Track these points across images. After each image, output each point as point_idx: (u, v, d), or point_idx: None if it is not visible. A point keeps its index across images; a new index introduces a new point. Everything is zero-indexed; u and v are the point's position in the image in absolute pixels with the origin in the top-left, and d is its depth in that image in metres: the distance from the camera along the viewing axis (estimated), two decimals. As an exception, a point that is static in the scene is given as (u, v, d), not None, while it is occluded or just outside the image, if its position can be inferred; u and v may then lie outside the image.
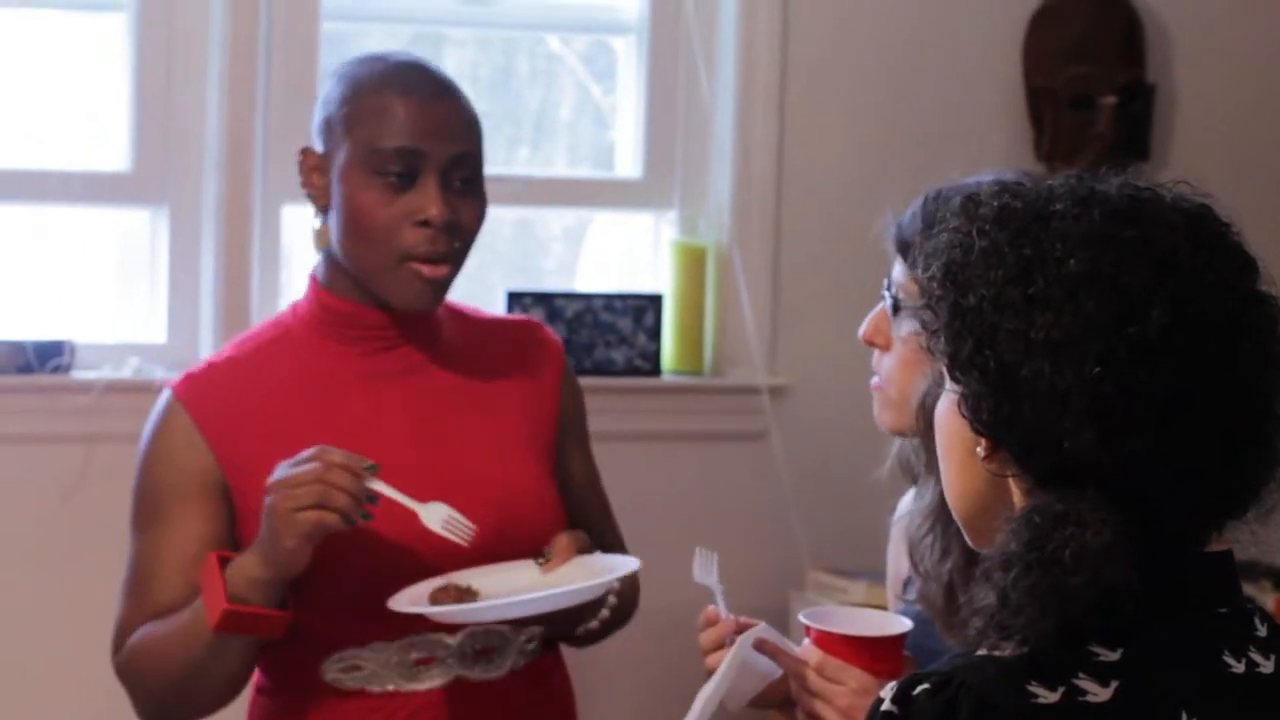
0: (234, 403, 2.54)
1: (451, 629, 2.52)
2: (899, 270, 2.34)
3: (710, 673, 2.16)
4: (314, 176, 2.57)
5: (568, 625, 2.60)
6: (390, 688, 2.52)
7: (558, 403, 2.69)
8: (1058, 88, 4.22)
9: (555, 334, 2.76)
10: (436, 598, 2.44)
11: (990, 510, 1.65)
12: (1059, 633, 1.56)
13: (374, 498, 2.39)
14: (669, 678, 3.64)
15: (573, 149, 4.26)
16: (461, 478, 2.54)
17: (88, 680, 3.68)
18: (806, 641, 2.16)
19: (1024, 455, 1.60)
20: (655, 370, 4.05)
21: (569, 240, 4.29)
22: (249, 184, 3.76)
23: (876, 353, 2.39)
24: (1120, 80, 4.25)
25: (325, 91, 2.58)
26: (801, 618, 2.17)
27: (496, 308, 3.87)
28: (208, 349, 3.75)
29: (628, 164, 4.14)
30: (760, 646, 2.16)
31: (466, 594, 2.45)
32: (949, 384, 1.65)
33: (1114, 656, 1.59)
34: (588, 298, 4.01)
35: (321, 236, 2.58)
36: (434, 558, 2.50)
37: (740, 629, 2.18)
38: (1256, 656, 1.64)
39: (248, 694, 2.61)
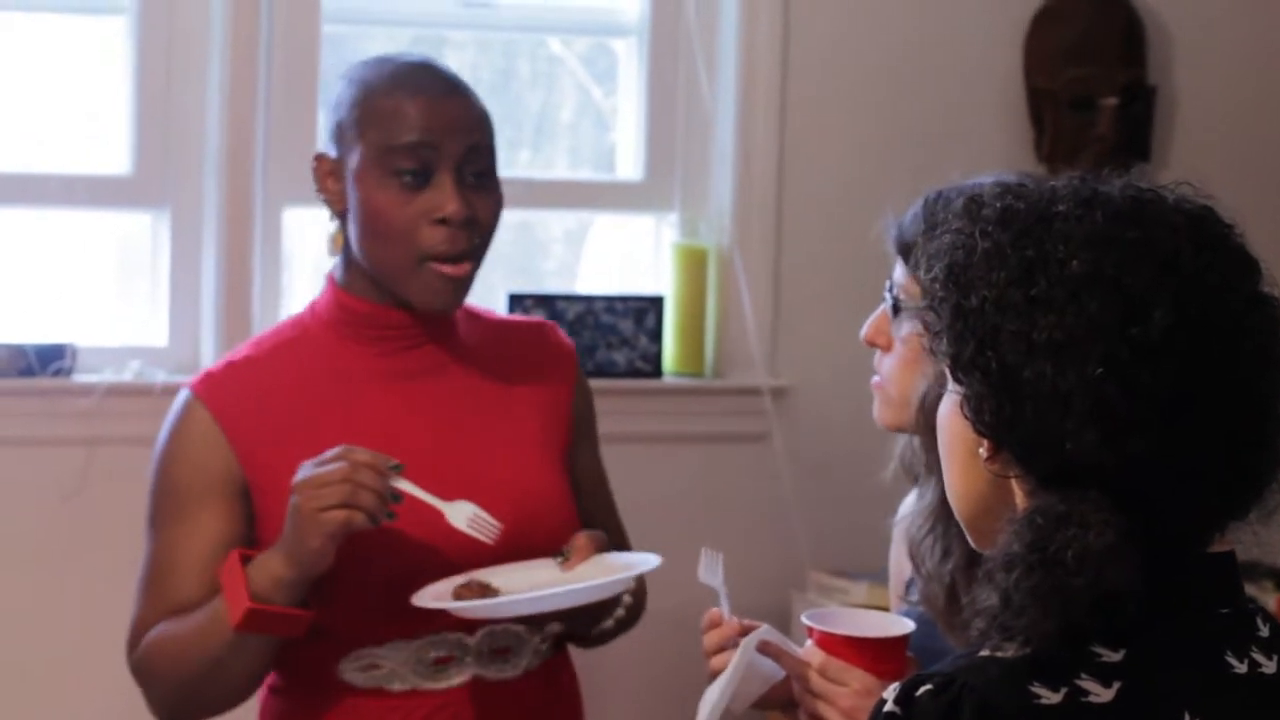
0: (254, 401, 2.54)
1: (470, 628, 2.53)
2: (900, 271, 2.35)
3: (714, 675, 2.16)
4: (328, 182, 2.57)
5: (586, 623, 2.60)
6: (408, 686, 2.53)
7: (571, 406, 2.70)
8: (1058, 89, 4.22)
9: (567, 337, 2.77)
10: (459, 594, 2.45)
11: (992, 511, 1.65)
12: (1061, 633, 1.57)
13: (398, 497, 2.40)
14: (670, 678, 3.64)
15: (574, 151, 4.26)
16: (483, 477, 2.55)
17: (88, 681, 3.68)
18: (809, 643, 2.16)
19: (1026, 456, 1.61)
20: (656, 372, 4.05)
21: (570, 242, 4.29)
22: (250, 187, 3.76)
23: (878, 352, 2.39)
24: (1121, 81, 4.25)
25: (335, 96, 2.58)
26: (804, 619, 2.17)
27: (498, 310, 3.87)
28: (209, 352, 3.75)
29: (629, 166, 4.14)
30: (763, 648, 2.16)
31: (488, 591, 2.46)
32: (951, 385, 1.66)
33: (1116, 657, 1.59)
34: (589, 300, 4.01)
35: (336, 241, 2.58)
36: (455, 556, 2.50)
37: (743, 631, 2.18)
38: (1259, 657, 1.65)
39: (259, 693, 2.61)
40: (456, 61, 4.10)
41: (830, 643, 2.14)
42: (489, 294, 3.97)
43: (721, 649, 2.18)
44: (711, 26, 4.08)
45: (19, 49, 3.79)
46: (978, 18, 4.23)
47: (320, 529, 2.36)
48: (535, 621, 2.56)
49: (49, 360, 3.65)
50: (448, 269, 2.52)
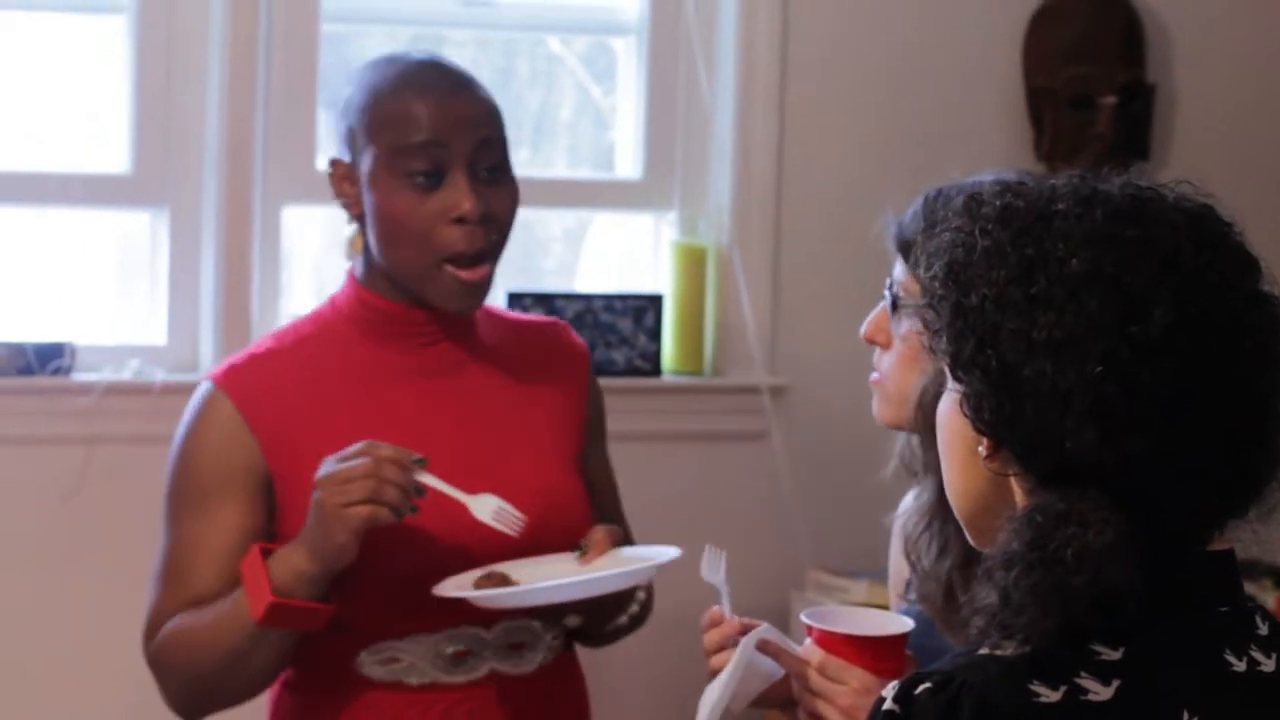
0: (277, 393, 2.55)
1: (488, 623, 2.54)
2: (900, 269, 2.35)
3: (714, 674, 2.16)
4: (344, 186, 2.59)
5: (604, 616, 2.62)
6: (427, 680, 2.54)
7: (585, 407, 2.72)
8: (1058, 88, 4.22)
9: (580, 338, 2.78)
10: (480, 585, 2.46)
11: (992, 509, 1.65)
12: (1061, 632, 1.57)
13: (421, 491, 2.41)
14: (671, 677, 3.64)
15: (573, 150, 4.26)
16: (503, 473, 2.56)
17: (88, 681, 3.68)
18: (808, 641, 2.16)
19: (1026, 455, 1.61)
20: (655, 370, 4.06)
21: (569, 241, 4.29)
22: (249, 186, 3.76)
23: (877, 350, 2.39)
24: (1120, 80, 4.25)
25: (345, 100, 2.59)
26: (803, 617, 2.17)
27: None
28: (208, 351, 3.75)
29: (628, 165, 4.14)
30: (763, 647, 2.16)
31: (508, 584, 2.47)
32: (951, 383, 1.66)
33: (1116, 655, 1.59)
34: (588, 298, 4.01)
35: (355, 244, 2.60)
36: (477, 550, 2.52)
37: (743, 630, 2.18)
38: (1258, 655, 1.65)
39: (271, 688, 2.62)
40: (456, 60, 4.08)
41: (829, 641, 2.14)
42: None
43: (722, 648, 2.18)
44: (711, 25, 4.08)
45: (19, 48, 3.79)
46: (977, 16, 4.23)
47: (345, 524, 2.37)
48: (555, 614, 2.57)
49: (48, 359, 3.65)
50: (464, 274, 2.53)
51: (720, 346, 4.10)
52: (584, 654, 2.73)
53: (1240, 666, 1.63)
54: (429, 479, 2.43)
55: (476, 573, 2.49)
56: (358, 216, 2.58)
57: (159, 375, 3.70)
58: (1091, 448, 1.56)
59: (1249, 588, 1.72)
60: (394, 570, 2.49)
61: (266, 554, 2.45)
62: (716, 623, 2.21)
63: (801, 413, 4.12)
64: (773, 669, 2.18)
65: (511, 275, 4.11)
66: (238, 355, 2.62)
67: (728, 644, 2.18)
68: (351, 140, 2.57)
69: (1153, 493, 1.58)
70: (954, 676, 1.59)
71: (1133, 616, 1.58)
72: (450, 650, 2.54)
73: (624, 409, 3.83)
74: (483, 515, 2.48)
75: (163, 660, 2.53)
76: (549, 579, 2.47)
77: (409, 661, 2.53)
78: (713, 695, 2.14)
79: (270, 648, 2.47)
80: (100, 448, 3.68)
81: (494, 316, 2.70)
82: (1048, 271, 1.58)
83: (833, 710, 2.12)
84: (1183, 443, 1.57)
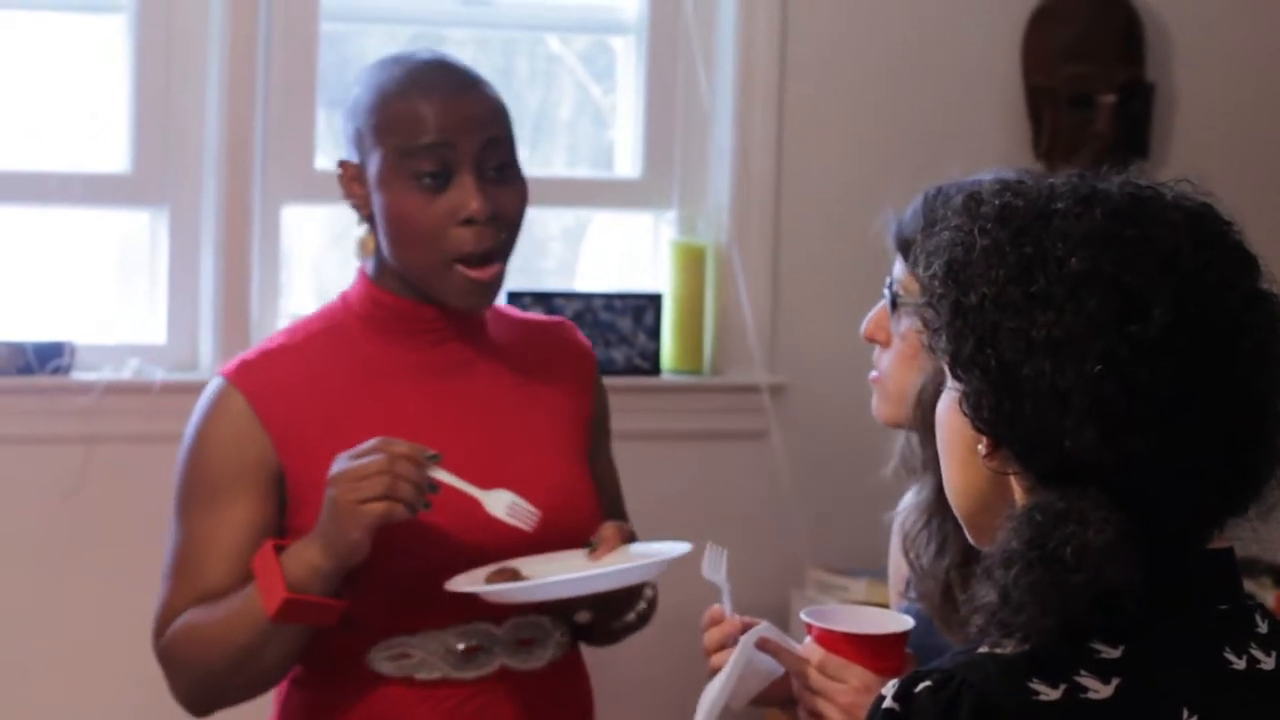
0: (289, 389, 2.56)
1: (498, 619, 2.55)
2: (900, 267, 2.35)
3: (714, 672, 2.16)
4: (354, 187, 2.59)
5: (615, 612, 2.63)
6: (438, 676, 2.55)
7: (592, 406, 2.73)
8: (1057, 86, 4.22)
9: (585, 338, 2.79)
10: (493, 581, 2.47)
11: (991, 508, 1.65)
12: (1060, 630, 1.57)
13: (435, 487, 2.42)
14: (671, 676, 3.64)
15: (572, 149, 4.26)
16: (514, 469, 2.57)
17: (88, 679, 3.69)
18: (808, 640, 2.16)
19: (1025, 453, 1.61)
20: (655, 369, 4.06)
21: (568, 240, 4.30)
22: (249, 185, 3.76)
23: (877, 348, 2.39)
24: (1119, 79, 4.25)
25: (352, 100, 2.59)
26: (803, 616, 2.17)
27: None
28: (208, 350, 3.76)
29: (627, 164, 4.14)
30: (762, 645, 2.16)
31: (520, 579, 2.49)
32: (950, 382, 1.66)
33: (1115, 654, 1.59)
34: (587, 297, 4.01)
35: (365, 245, 2.60)
36: (489, 546, 2.53)
37: (744, 629, 2.18)
38: (1257, 653, 1.65)
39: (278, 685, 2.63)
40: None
41: (829, 639, 2.14)
42: (488, 291, 3.97)
43: (723, 646, 2.18)
44: (710, 24, 4.08)
45: (18, 47, 3.79)
46: (976, 16, 4.23)
47: (360, 521, 2.38)
48: (567, 610, 2.58)
49: (48, 358, 3.65)
50: (475, 273, 2.54)
51: (719, 345, 4.10)
52: (586, 653, 2.74)
53: (1240, 664, 1.63)
54: (443, 475, 2.44)
55: (488, 569, 2.50)
56: (367, 217, 2.59)
57: (158, 374, 3.70)
58: (1091, 446, 1.56)
59: (1248, 586, 1.72)
60: (407, 566, 2.50)
61: (279, 550, 2.46)
62: (717, 621, 2.21)
63: (801, 411, 4.12)
64: (772, 667, 2.18)
65: (511, 274, 4.05)
66: (249, 351, 2.63)
67: (728, 642, 2.17)
68: (359, 142, 2.57)
69: (1152, 491, 1.58)
70: (954, 675, 1.59)
71: (1132, 615, 1.58)
72: (461, 646, 2.55)
73: (623, 408, 3.83)
74: (497, 510, 2.49)
75: (173, 656, 2.54)
76: (560, 575, 2.48)
77: (420, 657, 2.54)
78: (711, 693, 2.14)
79: (282, 643, 2.48)
80: (100, 447, 3.68)
81: (501, 315, 2.71)
82: (1047, 270, 1.59)
83: (833, 708, 2.12)
84: (1182, 441, 1.57)
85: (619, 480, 2.81)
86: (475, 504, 2.49)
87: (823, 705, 2.12)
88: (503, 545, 2.52)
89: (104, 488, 3.68)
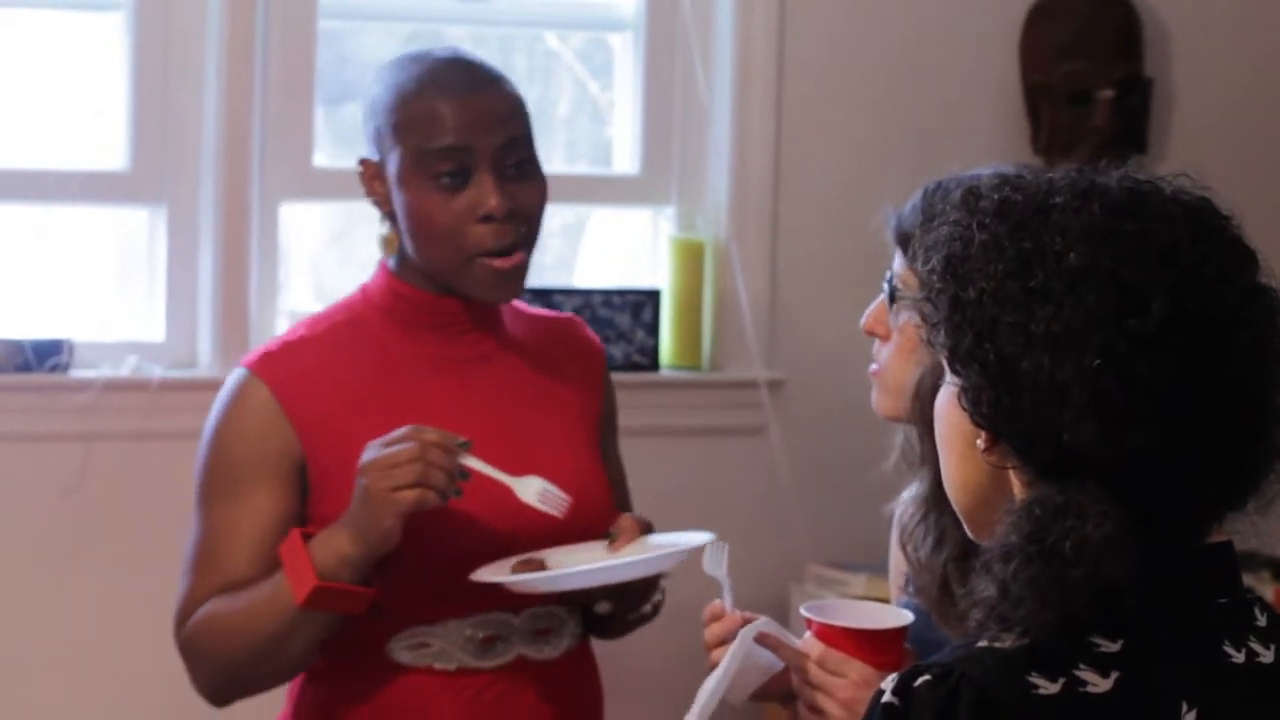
0: (311, 380, 2.57)
1: (516, 608, 2.56)
2: (899, 262, 2.35)
3: (714, 667, 2.17)
4: (375, 185, 2.61)
5: (634, 601, 2.64)
6: (456, 665, 2.56)
7: (601, 401, 2.75)
8: (1055, 83, 4.22)
9: (595, 335, 2.81)
10: (518, 572, 2.49)
11: (990, 502, 1.65)
12: (1059, 624, 1.57)
13: (465, 474, 2.44)
14: (670, 672, 3.64)
15: (570, 145, 4.27)
16: (535, 460, 2.58)
17: (88, 677, 3.69)
18: (808, 635, 2.16)
19: (1024, 448, 1.61)
20: (654, 365, 4.06)
21: (567, 236, 4.30)
22: (247, 182, 3.76)
23: (876, 341, 2.40)
24: (1117, 74, 4.25)
25: (372, 99, 2.61)
26: (803, 611, 2.17)
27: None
28: (206, 347, 3.76)
29: (625, 160, 4.14)
30: (761, 640, 2.17)
31: (544, 570, 2.50)
32: (949, 376, 1.66)
33: (1115, 648, 1.59)
34: (586, 293, 4.01)
35: (389, 243, 2.61)
36: (516, 534, 2.54)
37: (744, 624, 2.18)
38: (1257, 646, 1.65)
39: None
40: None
41: (829, 634, 2.14)
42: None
43: (723, 642, 2.18)
44: (707, 20, 4.08)
45: (17, 45, 3.79)
46: (974, 13, 4.23)
47: (393, 508, 2.40)
48: (589, 599, 2.60)
49: (46, 355, 3.65)
50: (497, 262, 2.55)
51: (718, 341, 4.10)
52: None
53: (1239, 658, 1.64)
54: (474, 462, 2.46)
55: (512, 560, 2.52)
56: (389, 214, 2.60)
57: (157, 371, 3.70)
58: (1090, 440, 1.56)
59: (1247, 579, 1.72)
60: (436, 553, 2.51)
61: (306, 538, 2.47)
62: (718, 616, 2.21)
63: (799, 407, 4.12)
64: (771, 662, 2.18)
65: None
66: (270, 342, 2.64)
67: (729, 638, 2.18)
68: (379, 140, 2.59)
69: (1151, 485, 1.58)
70: (953, 669, 1.59)
71: (1131, 609, 1.58)
72: (480, 635, 2.56)
73: (622, 404, 3.83)
74: (528, 497, 2.51)
75: (195, 646, 2.54)
76: (587, 564, 2.49)
77: (439, 646, 2.55)
78: (708, 687, 2.14)
79: (309, 632, 2.48)
80: (99, 444, 3.68)
81: (515, 311, 2.73)
82: (1045, 265, 1.59)
83: (832, 703, 2.12)
84: (1180, 435, 1.57)
85: (625, 476, 2.82)
86: (505, 491, 2.50)
87: (822, 700, 2.13)
88: (533, 532, 2.54)
89: (103, 485, 3.68)
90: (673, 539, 2.56)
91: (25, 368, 3.64)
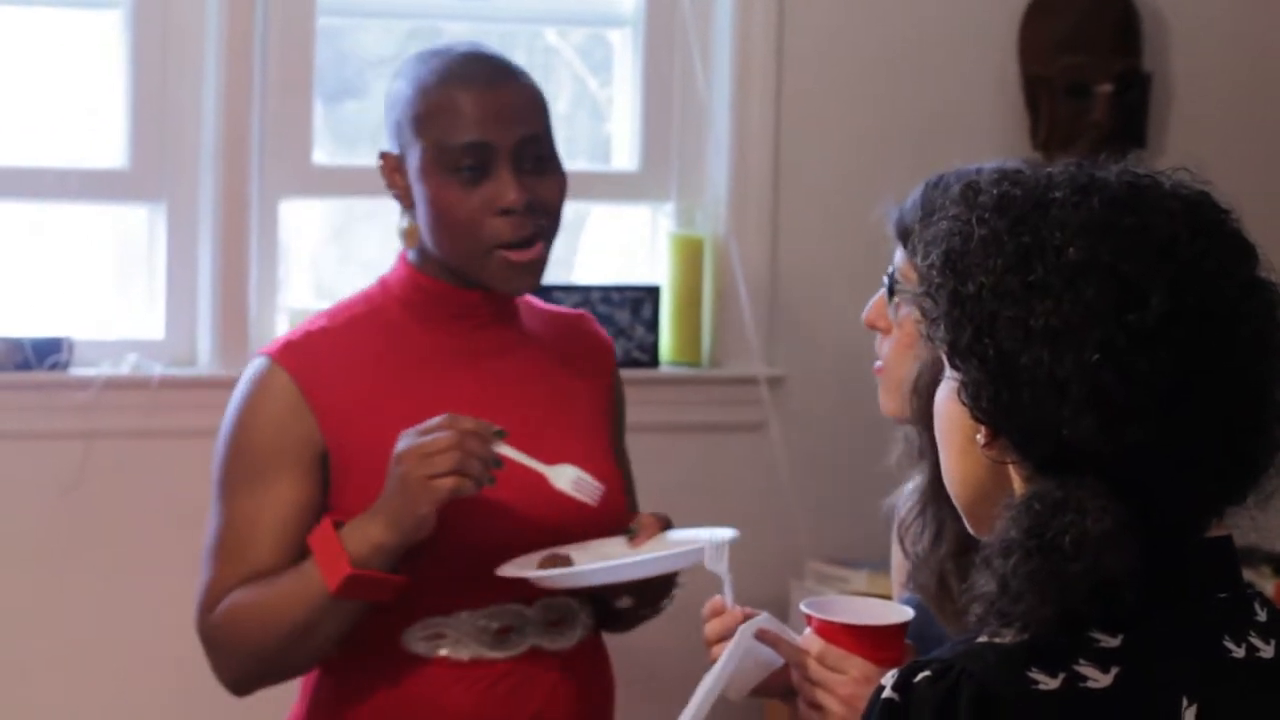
0: (333, 369, 2.58)
1: (529, 599, 2.58)
2: (900, 256, 2.35)
3: (714, 663, 2.17)
4: (395, 178, 2.62)
5: (654, 597, 2.66)
6: (471, 655, 2.57)
7: (611, 398, 2.77)
8: (1054, 76, 4.22)
9: (604, 330, 2.83)
10: (544, 567, 2.50)
11: (990, 497, 1.65)
12: (1059, 619, 1.57)
13: (500, 462, 2.45)
14: (670, 668, 3.64)
15: (570, 142, 4.26)
16: (553, 453, 2.58)
17: (88, 676, 3.69)
18: (808, 631, 2.16)
19: (1023, 442, 1.61)
20: (653, 362, 4.06)
21: (566, 233, 4.27)
22: (246, 180, 3.76)
23: (879, 337, 2.39)
24: (1116, 68, 4.25)
25: (392, 93, 2.62)
26: (803, 607, 2.17)
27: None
28: (206, 345, 3.76)
29: (624, 157, 4.14)
30: (761, 636, 2.17)
31: (568, 564, 2.52)
32: (949, 371, 1.66)
33: (1114, 643, 1.59)
34: (585, 290, 4.01)
35: (410, 235, 2.62)
36: (552, 521, 2.56)
37: (745, 620, 2.18)
38: (1256, 641, 1.65)
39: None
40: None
41: (829, 630, 2.14)
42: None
43: (723, 638, 2.18)
44: (706, 17, 4.08)
45: (15, 43, 3.79)
46: (973, 8, 4.23)
47: (431, 496, 2.41)
48: (611, 594, 2.61)
49: (46, 354, 3.65)
50: (515, 255, 2.57)
51: (717, 337, 4.10)
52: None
53: (1239, 653, 1.63)
54: (509, 450, 2.47)
55: (536, 555, 2.54)
56: (409, 207, 2.62)
57: (157, 370, 3.70)
58: (1089, 435, 1.56)
59: (1247, 574, 1.72)
60: (467, 541, 2.53)
61: (336, 526, 2.47)
62: (718, 612, 2.21)
63: (799, 403, 4.12)
64: (771, 658, 2.18)
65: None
66: (292, 332, 2.65)
67: (729, 634, 2.18)
68: (399, 134, 2.61)
69: (1150, 480, 1.58)
70: (953, 664, 1.59)
71: (1131, 604, 1.58)
72: (495, 626, 2.57)
73: (622, 400, 3.84)
74: (562, 485, 2.52)
75: (220, 636, 2.55)
76: (614, 560, 2.51)
77: (454, 637, 2.57)
78: (706, 683, 2.14)
79: (336, 621, 2.49)
80: (98, 442, 3.68)
81: (529, 305, 2.74)
82: (1045, 259, 1.58)
83: (832, 699, 2.12)
84: (1180, 430, 1.57)
85: (631, 473, 2.82)
86: (537, 479, 2.52)
87: (822, 696, 2.13)
88: (566, 520, 2.56)
89: (103, 483, 3.68)
90: (692, 534, 2.57)
91: (25, 366, 3.64)
